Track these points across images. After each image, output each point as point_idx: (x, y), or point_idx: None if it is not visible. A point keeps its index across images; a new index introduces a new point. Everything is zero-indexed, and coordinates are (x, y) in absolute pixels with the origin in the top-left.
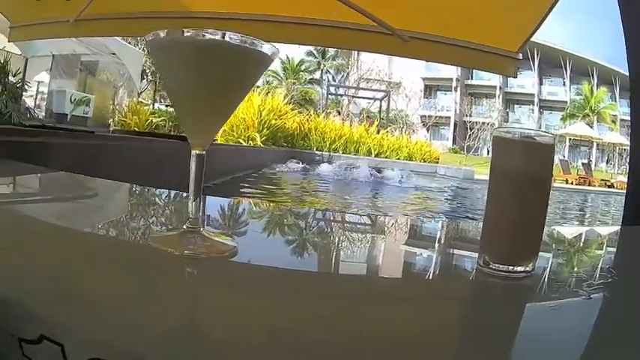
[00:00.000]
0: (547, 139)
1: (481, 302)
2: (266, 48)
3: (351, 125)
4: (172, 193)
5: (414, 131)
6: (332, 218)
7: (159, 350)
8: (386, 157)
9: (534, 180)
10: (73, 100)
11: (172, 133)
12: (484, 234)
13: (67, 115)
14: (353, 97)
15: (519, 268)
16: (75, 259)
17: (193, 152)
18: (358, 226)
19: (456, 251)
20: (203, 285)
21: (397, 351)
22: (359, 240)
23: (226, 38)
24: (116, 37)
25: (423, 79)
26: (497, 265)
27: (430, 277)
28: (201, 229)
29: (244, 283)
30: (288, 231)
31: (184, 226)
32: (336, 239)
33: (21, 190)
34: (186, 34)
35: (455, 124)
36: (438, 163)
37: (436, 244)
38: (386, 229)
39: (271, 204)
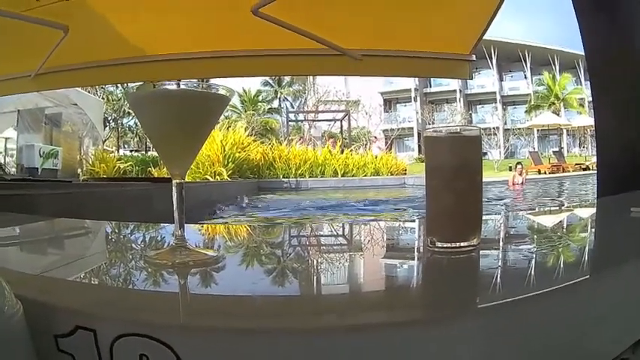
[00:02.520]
0: (472, 132)
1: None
2: (222, 90)
3: (314, 149)
4: (155, 225)
5: (379, 147)
6: (299, 233)
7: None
8: (352, 176)
9: (463, 169)
10: (42, 153)
11: (140, 176)
12: (427, 220)
13: (37, 168)
14: (313, 120)
15: (464, 244)
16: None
17: (174, 182)
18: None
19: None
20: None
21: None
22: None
23: (183, 86)
24: (76, 88)
25: (382, 93)
26: (442, 243)
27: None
28: (187, 243)
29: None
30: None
31: (173, 243)
32: (308, 246)
33: (47, 233)
34: (157, 86)
35: (418, 134)
36: (405, 174)
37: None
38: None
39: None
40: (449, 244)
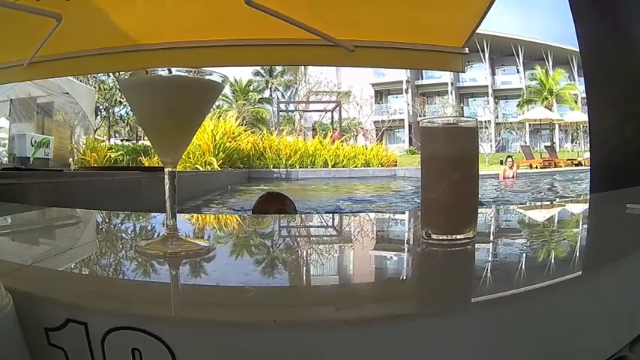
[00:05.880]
0: (469, 123)
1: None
2: (215, 77)
3: (305, 139)
4: (146, 214)
5: (366, 138)
6: (289, 224)
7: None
8: (343, 167)
9: (459, 160)
10: (33, 142)
11: (131, 165)
12: (423, 211)
13: (29, 157)
14: (304, 111)
15: (460, 236)
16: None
17: (166, 170)
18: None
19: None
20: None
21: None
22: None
23: (176, 72)
24: (68, 77)
25: (373, 85)
26: (437, 235)
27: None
28: (178, 233)
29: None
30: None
31: (164, 233)
32: (298, 237)
33: (37, 222)
34: (150, 72)
35: (409, 126)
36: (396, 166)
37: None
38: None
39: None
40: (444, 237)
